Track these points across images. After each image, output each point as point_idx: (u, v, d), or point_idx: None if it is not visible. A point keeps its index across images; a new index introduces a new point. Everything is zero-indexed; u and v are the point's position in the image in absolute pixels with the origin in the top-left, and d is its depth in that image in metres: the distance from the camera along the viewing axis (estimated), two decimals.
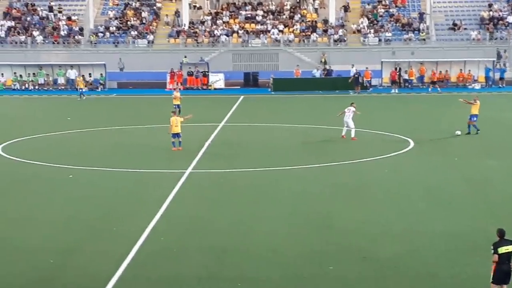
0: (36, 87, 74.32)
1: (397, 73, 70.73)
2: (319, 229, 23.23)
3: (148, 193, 28.20)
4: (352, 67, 70.52)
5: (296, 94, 66.39)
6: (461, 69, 72.08)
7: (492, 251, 16.52)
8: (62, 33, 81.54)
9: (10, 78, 74.87)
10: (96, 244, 21.81)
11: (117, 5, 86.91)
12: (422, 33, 79.04)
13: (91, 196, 27.87)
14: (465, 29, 79.66)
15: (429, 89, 68.03)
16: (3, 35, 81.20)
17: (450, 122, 45.82)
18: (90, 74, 74.17)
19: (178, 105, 50.78)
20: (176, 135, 36.91)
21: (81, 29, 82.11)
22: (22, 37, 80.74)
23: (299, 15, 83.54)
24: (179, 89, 58.58)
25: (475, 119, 41.01)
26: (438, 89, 66.76)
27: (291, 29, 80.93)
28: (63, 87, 74.13)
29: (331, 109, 54.69)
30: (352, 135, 40.16)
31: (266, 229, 23.21)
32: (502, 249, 16.40)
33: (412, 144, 38.48)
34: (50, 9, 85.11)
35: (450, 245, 21.40)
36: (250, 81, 74.61)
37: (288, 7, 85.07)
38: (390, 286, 18.50)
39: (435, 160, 34.17)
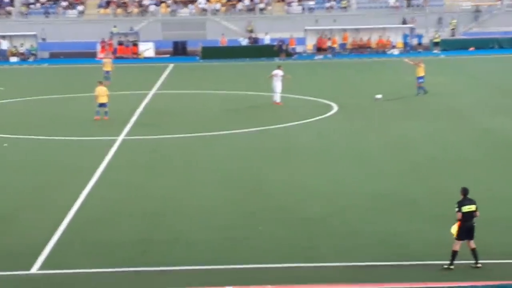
0: None
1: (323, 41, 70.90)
2: (250, 191, 23.23)
3: (81, 160, 27.78)
4: (266, 35, 71.43)
5: (224, 62, 66.09)
6: (380, 36, 72.56)
7: (457, 209, 16.73)
8: None
9: None
10: (31, 212, 21.43)
11: None
12: (344, 1, 79.26)
13: (25, 165, 27.37)
14: None
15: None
16: None
17: (371, 86, 46.17)
18: (21, 44, 72.56)
19: (108, 71, 50.22)
20: (102, 105, 35.92)
21: (12, 0, 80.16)
22: None
23: None
24: (111, 57, 57.67)
25: (421, 80, 41.54)
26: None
27: None
28: None
29: (258, 76, 54.63)
30: (277, 100, 40.11)
31: (199, 193, 23.12)
32: (465, 208, 16.66)
33: (335, 108, 38.67)
34: None
35: (373, 204, 21.61)
36: (179, 49, 74.00)
37: None
38: (318, 244, 18.60)
39: (357, 123, 34.42)
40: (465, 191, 16.99)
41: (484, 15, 77.41)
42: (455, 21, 75.20)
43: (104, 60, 52.84)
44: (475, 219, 16.75)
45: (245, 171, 25.78)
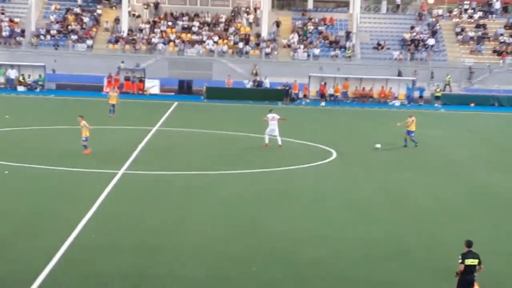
0: None
1: (325, 88, 71.25)
2: (245, 232, 23.12)
3: (81, 191, 27.72)
4: (265, 79, 72.33)
5: (228, 103, 66.32)
6: (382, 86, 72.90)
7: (460, 260, 16.57)
8: (3, 34, 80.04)
9: None
10: (27, 239, 21.30)
11: (59, 9, 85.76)
12: (348, 50, 79.78)
13: (25, 192, 27.30)
14: (388, 49, 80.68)
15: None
16: None
17: (371, 135, 46.27)
18: (29, 75, 72.93)
19: (113, 105, 50.77)
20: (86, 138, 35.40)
21: (23, 31, 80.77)
22: None
23: (233, 28, 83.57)
24: (117, 91, 57.84)
25: (412, 134, 41.62)
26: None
27: (225, 41, 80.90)
28: (2, 86, 72.66)
29: (260, 118, 54.80)
30: (279, 142, 40.21)
31: (195, 230, 23.03)
32: (468, 261, 16.50)
33: (335, 154, 38.69)
34: None
35: (367, 251, 21.51)
36: (185, 88, 74.36)
37: (223, 19, 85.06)
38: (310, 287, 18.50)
39: (355, 171, 34.41)
40: (469, 244, 16.84)
41: (485, 73, 77.80)
42: (449, 76, 75.45)
43: (110, 93, 53.13)
44: (477, 274, 16.59)
45: (242, 211, 25.70)
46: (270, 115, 40.93)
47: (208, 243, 21.62)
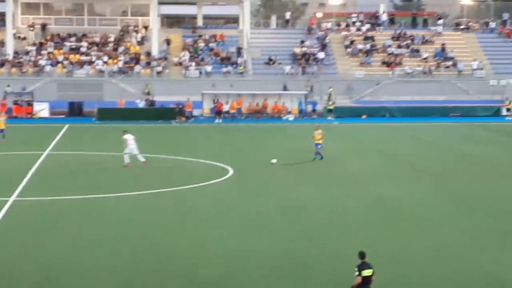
0: None
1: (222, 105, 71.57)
2: (143, 253, 23.02)
3: None
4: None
5: (121, 124, 65.78)
6: (276, 101, 73.75)
7: (357, 273, 16.89)
8: None
9: None
10: None
11: None
12: (240, 67, 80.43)
13: None
14: (279, 63, 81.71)
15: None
16: None
17: (267, 151, 46.73)
18: None
19: (2, 130, 50.12)
20: None
21: None
22: None
23: (123, 47, 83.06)
24: (4, 115, 56.62)
25: (319, 147, 42.36)
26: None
27: (115, 61, 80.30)
28: None
29: (155, 138, 54.62)
30: (142, 159, 40.26)
31: (91, 255, 22.77)
32: (365, 272, 16.84)
33: (231, 172, 38.91)
34: None
35: (267, 266, 21.75)
36: (75, 110, 73.35)
37: (112, 39, 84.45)
38: None
39: (253, 187, 34.72)
40: (362, 255, 17.27)
41: (374, 85, 79.74)
42: (331, 89, 76.52)
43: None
44: (371, 284, 17.01)
45: (138, 234, 25.56)
46: (127, 136, 40.79)
47: (105, 268, 21.42)
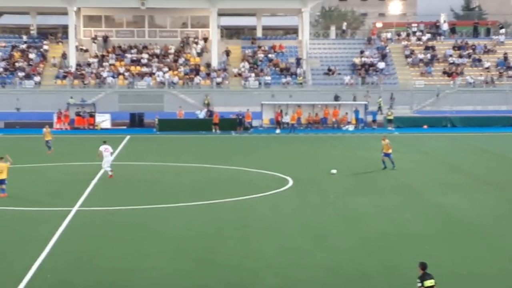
0: None
1: (280, 115, 71.75)
2: (203, 264, 23.15)
3: (34, 231, 27.52)
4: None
5: (181, 134, 66.38)
6: (335, 112, 73.54)
7: (419, 284, 16.79)
8: None
9: None
10: None
11: (4, 47, 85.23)
12: (299, 77, 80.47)
13: None
14: (339, 74, 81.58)
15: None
16: None
17: (326, 161, 46.63)
18: None
19: (48, 141, 51.30)
20: (1, 181, 34.16)
21: None
22: None
23: (183, 59, 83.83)
24: (48, 126, 57.47)
25: (389, 156, 42.36)
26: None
27: (175, 72, 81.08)
28: None
29: (214, 148, 54.96)
30: (110, 172, 40.39)
31: (152, 266, 22.98)
32: (427, 283, 16.73)
33: (291, 182, 38.93)
34: None
35: (327, 278, 21.68)
36: (136, 121, 74.26)
37: (173, 51, 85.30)
38: None
39: (312, 198, 34.66)
40: (424, 266, 17.13)
41: (435, 95, 79.05)
42: (381, 99, 76.12)
43: (44, 130, 53.16)
44: None
45: (199, 244, 25.72)
46: (103, 147, 40.91)
47: (165, 278, 21.61)
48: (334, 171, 41.45)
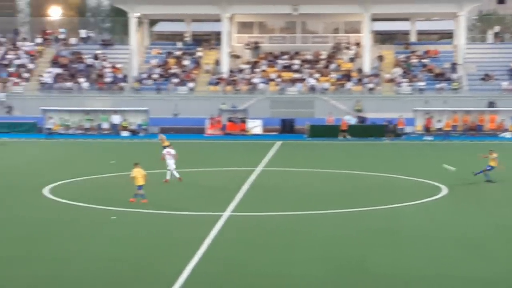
0: (82, 131, 74.94)
1: (431, 121, 70.54)
2: (353, 273, 22.87)
3: (186, 235, 28.04)
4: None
5: (331, 141, 66.28)
6: (492, 118, 71.52)
7: None
8: (106, 80, 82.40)
9: (58, 123, 75.54)
10: (135, 284, 21.68)
11: (160, 53, 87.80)
12: (455, 83, 78.71)
13: (132, 237, 27.79)
14: (496, 79, 79.22)
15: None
16: (51, 82, 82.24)
17: (480, 169, 45.26)
18: (131, 123, 74.79)
19: (166, 147, 51.79)
20: (140, 187, 34.57)
21: (125, 76, 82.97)
22: (69, 84, 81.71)
23: (334, 64, 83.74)
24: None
25: (489, 168, 40.80)
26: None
27: (326, 78, 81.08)
28: (106, 132, 74.69)
29: (364, 155, 54.53)
30: (168, 177, 40.66)
31: (301, 273, 22.92)
32: None
33: (445, 190, 38.05)
34: (96, 57, 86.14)
35: None
36: (287, 127, 74.80)
37: (324, 56, 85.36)
38: None
39: (468, 206, 33.70)
40: None
41: None
42: None
43: (160, 136, 53.80)
44: None
45: (349, 251, 25.45)
46: (166, 150, 41.43)
47: (314, 286, 21.50)
48: (449, 167, 40.27)
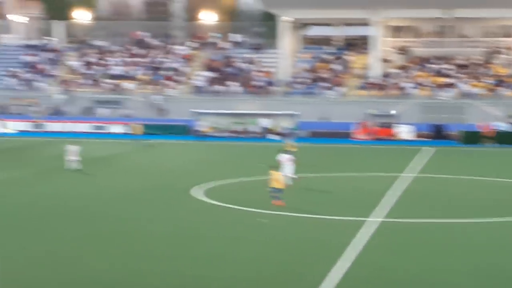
0: (231, 134, 75.96)
1: None
2: (505, 285, 22.00)
3: (333, 239, 27.79)
4: None
5: (486, 148, 64.72)
6: None
7: None
8: (256, 83, 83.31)
9: (208, 125, 76.79)
10: (279, 285, 21.68)
11: (312, 57, 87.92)
12: None
13: (280, 240, 27.90)
14: None
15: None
16: (203, 85, 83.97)
17: None
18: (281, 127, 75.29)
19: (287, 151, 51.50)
20: (278, 190, 34.49)
21: (275, 80, 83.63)
22: (220, 87, 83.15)
23: (488, 69, 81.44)
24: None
25: None
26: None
27: (479, 83, 78.94)
28: (255, 135, 75.36)
29: None
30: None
31: (451, 282, 22.24)
32: None
33: None
34: (250, 61, 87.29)
35: None
36: (439, 133, 73.33)
37: (478, 61, 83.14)
38: None
39: None
40: None
41: None
42: None
43: (288, 141, 53.22)
44: None
45: (501, 262, 24.48)
46: (282, 156, 40.79)
47: None
48: None
